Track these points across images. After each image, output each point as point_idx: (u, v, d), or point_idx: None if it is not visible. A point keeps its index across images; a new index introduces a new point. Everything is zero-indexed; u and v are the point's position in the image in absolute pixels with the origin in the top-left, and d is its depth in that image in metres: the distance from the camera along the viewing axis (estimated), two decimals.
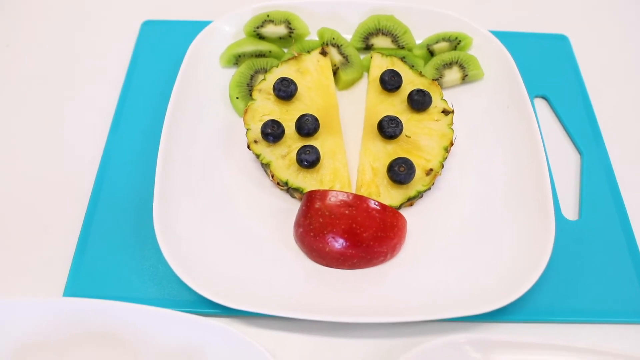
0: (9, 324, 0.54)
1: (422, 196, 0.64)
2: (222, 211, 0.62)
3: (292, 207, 0.63)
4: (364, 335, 0.57)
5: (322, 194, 0.58)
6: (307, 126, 0.63)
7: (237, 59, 0.74)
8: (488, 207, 0.63)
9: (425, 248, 0.60)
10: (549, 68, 0.79)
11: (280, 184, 0.63)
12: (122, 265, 0.60)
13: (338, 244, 0.56)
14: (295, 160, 0.62)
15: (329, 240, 0.56)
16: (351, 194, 0.58)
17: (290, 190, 0.63)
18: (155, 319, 0.54)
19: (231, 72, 0.74)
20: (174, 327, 0.53)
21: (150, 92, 0.74)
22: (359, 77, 0.75)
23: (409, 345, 0.56)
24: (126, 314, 0.54)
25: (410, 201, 0.62)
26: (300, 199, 0.63)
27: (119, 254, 0.60)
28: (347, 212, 0.56)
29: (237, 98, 0.70)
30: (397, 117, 0.64)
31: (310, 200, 0.58)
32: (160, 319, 0.54)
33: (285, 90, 0.66)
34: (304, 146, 0.62)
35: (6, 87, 0.77)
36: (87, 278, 0.59)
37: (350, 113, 0.71)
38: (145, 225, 0.60)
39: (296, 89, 0.66)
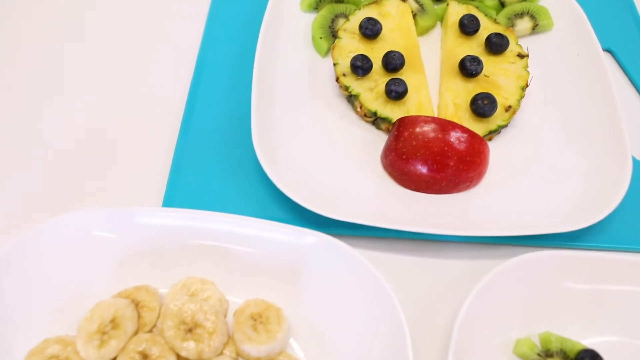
0: (113, 232, 0.57)
1: (500, 132, 0.67)
2: (314, 138, 0.66)
3: (378, 138, 0.67)
4: (450, 257, 0.61)
5: (414, 120, 0.61)
6: (394, 61, 0.67)
7: (317, 4, 0.77)
8: (564, 142, 0.66)
9: (506, 177, 0.64)
10: (613, 22, 0.82)
11: (368, 115, 0.66)
12: (216, 182, 0.64)
13: (429, 166, 0.60)
14: (382, 93, 0.66)
15: (420, 163, 0.60)
16: (442, 119, 0.61)
17: (377, 121, 0.66)
18: (257, 229, 0.57)
19: (311, 17, 0.77)
20: (276, 238, 0.57)
21: (233, 33, 0.77)
22: (433, 25, 0.78)
23: (493, 266, 0.59)
24: (225, 225, 0.57)
25: (490, 135, 0.66)
26: (386, 130, 0.66)
27: (213, 171, 0.65)
28: (438, 136, 0.60)
29: (321, 38, 0.74)
30: (477, 57, 0.68)
31: (403, 126, 0.62)
32: (263, 230, 0.57)
33: (372, 29, 0.69)
34: (393, 78, 0.65)
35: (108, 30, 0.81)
36: (182, 193, 0.63)
37: (426, 57, 0.74)
38: (239, 147, 0.66)
39: (381, 28, 0.70)
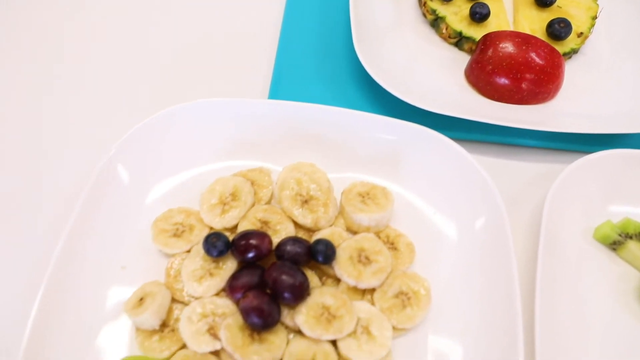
0: (223, 120, 0.63)
1: (571, 57, 0.73)
2: (401, 59, 0.71)
3: (460, 57, 0.73)
4: (529, 160, 0.67)
5: (499, 34, 0.67)
6: None
7: None
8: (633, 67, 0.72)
9: (579, 94, 0.69)
10: None
11: (452, 36, 0.72)
12: (314, 82, 0.70)
13: (512, 76, 0.65)
14: (466, 16, 0.72)
15: (505, 73, 0.65)
16: (525, 33, 0.67)
17: (460, 41, 0.72)
18: (359, 120, 0.62)
19: None
20: (376, 128, 0.62)
21: None
22: None
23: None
24: (330, 116, 0.62)
25: (563, 56, 0.71)
26: (469, 50, 0.72)
27: (312, 72, 0.71)
28: (522, 48, 0.66)
29: None
30: None
31: (489, 40, 0.67)
32: (365, 121, 0.62)
33: None
34: (477, 2, 0.71)
35: None
36: (285, 92, 0.69)
37: None
38: (334, 54, 0.72)
39: None
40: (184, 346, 0.52)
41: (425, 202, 0.61)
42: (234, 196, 0.58)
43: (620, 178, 0.61)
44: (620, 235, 0.58)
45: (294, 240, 0.54)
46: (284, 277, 0.51)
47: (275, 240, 0.55)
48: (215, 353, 0.52)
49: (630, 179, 0.61)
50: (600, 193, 0.61)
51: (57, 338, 0.51)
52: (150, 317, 0.51)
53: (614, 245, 0.59)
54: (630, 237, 0.58)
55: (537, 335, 0.50)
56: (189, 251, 0.56)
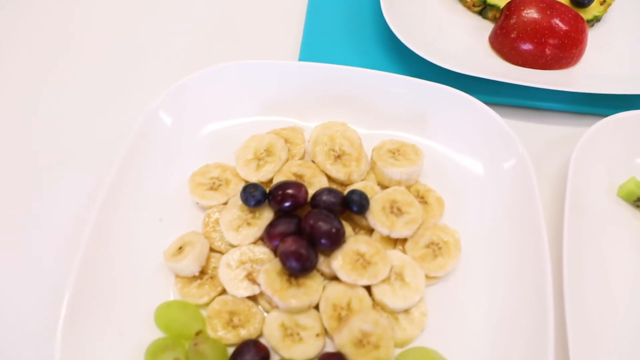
0: (258, 82, 0.65)
1: (594, 25, 0.74)
2: (427, 28, 0.73)
3: (484, 25, 0.74)
4: (552, 123, 0.68)
5: (523, 0, 0.69)
6: None
7: None
8: None
9: (603, 60, 0.71)
10: None
11: (476, 4, 0.74)
12: (346, 40, 0.72)
13: (537, 41, 0.67)
14: None
15: (529, 38, 0.67)
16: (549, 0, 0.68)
17: (485, 10, 0.74)
18: (388, 82, 0.64)
19: None
20: (404, 88, 0.63)
21: None
22: None
23: None
24: (358, 77, 0.64)
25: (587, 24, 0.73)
26: (493, 18, 0.74)
27: (342, 29, 0.73)
28: (547, 12, 0.67)
29: None
30: None
31: (514, 6, 0.69)
32: (393, 82, 0.64)
33: None
34: None
35: None
36: (316, 49, 0.71)
37: None
38: (361, 18, 0.74)
39: None
40: (222, 292, 0.54)
41: (453, 158, 0.63)
42: (269, 152, 0.60)
43: None
44: None
45: (329, 190, 0.55)
46: (321, 223, 0.52)
47: (310, 192, 0.56)
48: (253, 298, 0.53)
49: None
50: (625, 153, 0.63)
51: (99, 286, 0.53)
52: (191, 264, 0.53)
53: (638, 202, 0.60)
54: None
55: (565, 283, 0.51)
56: (225, 204, 0.58)
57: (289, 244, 0.52)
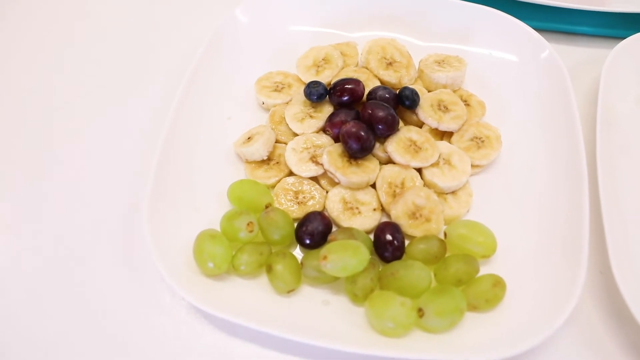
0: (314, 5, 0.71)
1: None
2: None
3: None
4: (585, 45, 0.74)
5: None
6: None
7: None
8: None
9: None
10: None
11: None
12: None
13: None
14: None
15: None
16: None
17: None
18: (434, 3, 0.70)
19: None
20: (449, 10, 0.70)
21: None
22: None
23: None
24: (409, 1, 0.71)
25: None
26: None
27: None
28: None
29: None
30: None
31: None
32: (438, 4, 0.70)
33: None
34: None
35: None
36: None
37: None
38: None
39: None
40: (288, 175, 0.60)
41: (492, 69, 0.69)
42: (326, 60, 0.66)
43: None
44: None
45: (384, 87, 0.62)
46: (377, 110, 0.58)
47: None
48: (315, 180, 0.60)
49: None
50: None
51: (176, 171, 0.59)
52: (261, 147, 0.59)
53: None
54: None
55: (600, 176, 0.56)
56: (288, 103, 0.64)
57: (350, 126, 0.58)
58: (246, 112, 0.66)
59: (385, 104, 0.59)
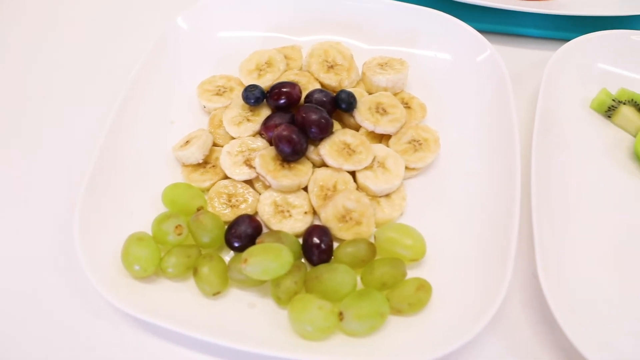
0: (264, 7, 0.72)
1: None
2: None
3: None
4: (531, 47, 0.73)
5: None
6: None
7: None
8: None
9: None
10: None
11: None
12: None
13: None
14: None
15: None
16: None
17: None
18: (380, 7, 0.70)
19: None
20: (394, 13, 0.70)
21: None
22: None
23: None
24: (359, 4, 0.71)
25: None
26: None
27: None
28: None
29: None
30: None
31: None
32: (385, 8, 0.70)
33: None
34: None
35: None
36: None
37: None
38: None
39: None
40: (222, 178, 0.60)
41: (436, 72, 0.68)
42: (269, 64, 0.66)
43: (617, 57, 0.68)
44: (614, 100, 0.64)
45: (321, 90, 0.62)
46: (311, 114, 0.58)
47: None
48: (249, 183, 0.60)
49: (625, 58, 0.68)
50: (598, 68, 0.68)
51: (114, 174, 0.59)
52: (196, 151, 0.60)
53: (609, 112, 0.65)
54: (624, 103, 0.65)
55: (533, 181, 0.56)
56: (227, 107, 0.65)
57: (282, 130, 0.58)
58: (190, 116, 0.66)
59: (319, 107, 0.59)
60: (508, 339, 0.53)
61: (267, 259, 0.51)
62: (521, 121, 0.64)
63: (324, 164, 0.59)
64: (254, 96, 0.61)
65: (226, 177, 0.60)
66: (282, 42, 0.71)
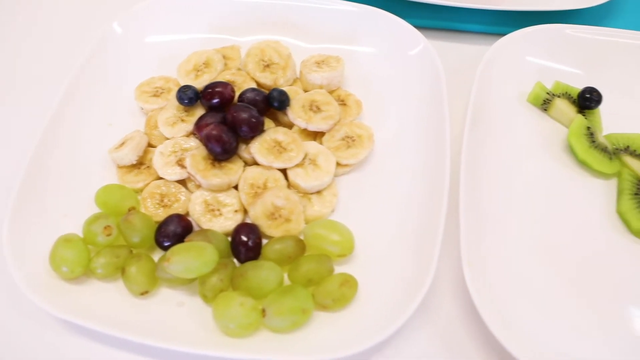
0: (205, 8, 0.72)
1: None
2: None
3: None
4: (472, 43, 0.73)
5: None
6: None
7: None
8: None
9: None
10: None
11: None
12: None
13: None
14: None
15: None
16: None
17: None
18: (320, 6, 0.71)
19: None
20: (337, 13, 0.70)
21: None
22: None
23: None
24: (298, 3, 0.71)
25: None
26: None
27: None
28: None
29: None
30: None
31: None
32: (328, 8, 0.71)
33: None
34: None
35: None
36: None
37: None
38: None
39: None
40: (157, 178, 0.60)
41: (374, 68, 0.69)
42: (207, 64, 0.67)
43: (552, 50, 0.68)
44: (548, 94, 0.65)
45: (253, 89, 0.62)
46: (241, 112, 0.59)
47: None
48: (183, 183, 0.60)
49: (560, 51, 0.68)
50: (534, 64, 0.68)
51: (48, 176, 0.59)
52: (130, 152, 0.60)
53: (545, 106, 0.65)
54: (559, 96, 0.65)
55: (462, 175, 0.56)
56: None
57: (211, 129, 0.58)
58: (129, 118, 0.66)
59: (249, 106, 0.59)
60: (437, 330, 0.53)
61: (189, 258, 0.51)
62: (458, 117, 0.64)
63: (255, 163, 0.59)
64: (187, 97, 0.61)
65: (160, 178, 0.60)
66: (224, 43, 0.71)
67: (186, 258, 0.51)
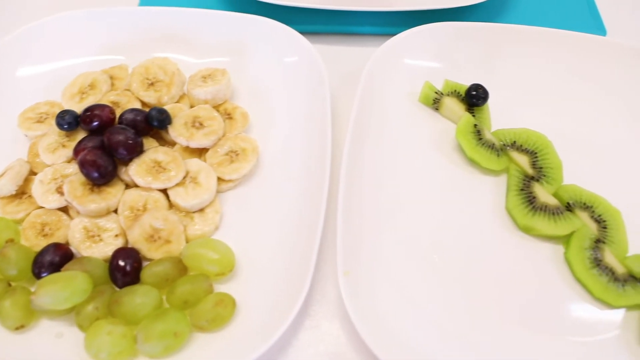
0: (93, 30, 0.71)
1: None
2: None
3: None
4: (365, 45, 0.73)
5: None
6: None
7: None
8: None
9: None
10: None
11: None
12: None
13: None
14: None
15: None
16: None
17: None
18: (211, 17, 0.70)
19: None
20: (222, 24, 0.69)
21: None
22: None
23: None
24: (186, 17, 0.70)
25: None
26: None
27: None
28: None
29: None
30: None
31: None
32: (212, 19, 0.70)
33: None
34: None
35: None
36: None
37: None
38: None
39: None
40: (37, 207, 0.59)
41: (264, 80, 0.68)
42: (92, 86, 0.66)
43: (443, 49, 0.67)
44: (437, 93, 0.64)
45: (134, 110, 0.61)
46: (117, 135, 0.58)
47: None
48: (65, 211, 0.59)
49: (448, 49, 0.67)
50: (422, 63, 0.67)
51: None
52: (8, 183, 0.59)
53: (436, 105, 0.65)
54: (447, 95, 0.64)
55: (342, 181, 0.56)
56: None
57: (85, 154, 0.57)
58: (15, 146, 0.65)
59: (125, 128, 0.58)
60: (327, 348, 0.52)
61: (57, 289, 0.50)
62: (347, 122, 0.63)
63: (136, 185, 0.58)
64: (65, 122, 0.60)
65: (41, 207, 0.59)
66: (114, 63, 0.70)
67: (54, 289, 0.50)
